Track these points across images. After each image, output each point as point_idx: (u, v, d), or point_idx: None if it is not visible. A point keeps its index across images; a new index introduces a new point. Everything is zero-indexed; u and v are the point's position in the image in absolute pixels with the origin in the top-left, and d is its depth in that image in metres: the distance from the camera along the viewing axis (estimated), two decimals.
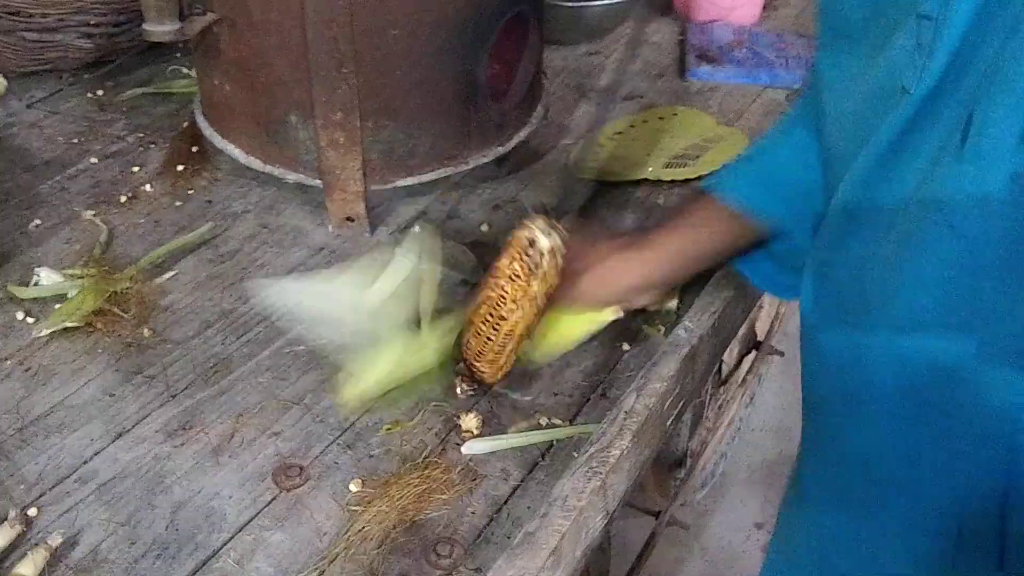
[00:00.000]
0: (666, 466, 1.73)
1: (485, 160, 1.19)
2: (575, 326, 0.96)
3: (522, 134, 1.24)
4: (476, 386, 0.95)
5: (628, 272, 0.92)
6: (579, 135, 1.39)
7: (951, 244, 0.62)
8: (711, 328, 0.98)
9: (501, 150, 1.21)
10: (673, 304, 1.05)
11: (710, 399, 1.83)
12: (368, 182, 1.13)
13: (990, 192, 0.59)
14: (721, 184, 0.92)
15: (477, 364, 0.93)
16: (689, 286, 1.04)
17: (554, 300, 0.91)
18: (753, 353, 1.97)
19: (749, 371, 2.00)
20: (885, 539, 0.77)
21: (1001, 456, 0.66)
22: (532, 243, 0.86)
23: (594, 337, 0.99)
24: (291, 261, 1.13)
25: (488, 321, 0.89)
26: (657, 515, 1.66)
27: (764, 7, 1.73)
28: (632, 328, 1.03)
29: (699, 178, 1.25)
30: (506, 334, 0.89)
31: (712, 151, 1.32)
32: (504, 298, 0.88)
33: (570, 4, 1.59)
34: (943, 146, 0.62)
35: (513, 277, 0.87)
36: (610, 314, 0.96)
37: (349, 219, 1.15)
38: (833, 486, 0.82)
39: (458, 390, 0.95)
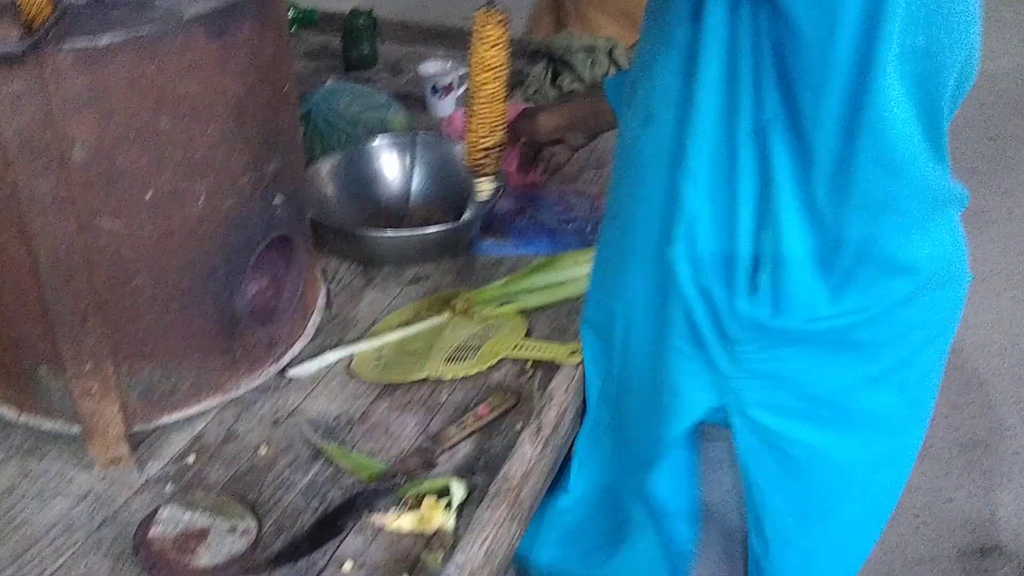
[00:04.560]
0: None
1: (258, 383, 1.17)
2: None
3: (296, 348, 1.22)
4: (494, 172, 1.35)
5: (557, 115, 1.52)
6: (366, 326, 1.37)
7: None
8: (484, 556, 0.98)
9: (274, 369, 1.19)
10: (451, 524, 1.04)
11: None
12: (130, 423, 1.09)
13: None
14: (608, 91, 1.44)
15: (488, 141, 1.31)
16: None
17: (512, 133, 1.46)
18: None
19: None
20: None
21: None
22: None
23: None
24: (52, 516, 1.07)
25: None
26: None
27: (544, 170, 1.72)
28: (410, 557, 1.02)
29: (478, 373, 1.25)
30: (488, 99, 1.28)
31: (492, 340, 1.30)
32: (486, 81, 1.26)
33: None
34: None
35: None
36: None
37: (116, 459, 1.10)
38: None
39: (481, 192, 1.37)
